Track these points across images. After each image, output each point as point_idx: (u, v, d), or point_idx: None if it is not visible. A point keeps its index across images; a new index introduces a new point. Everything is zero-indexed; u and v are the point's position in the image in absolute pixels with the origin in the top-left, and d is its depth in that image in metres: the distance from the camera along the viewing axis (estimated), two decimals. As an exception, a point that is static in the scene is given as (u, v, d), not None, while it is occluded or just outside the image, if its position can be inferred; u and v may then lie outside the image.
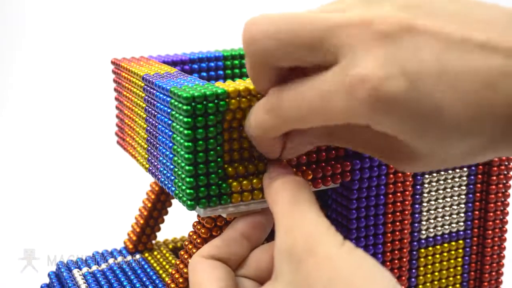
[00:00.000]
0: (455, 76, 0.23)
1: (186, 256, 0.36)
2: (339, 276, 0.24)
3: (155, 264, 0.48)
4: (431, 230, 0.42)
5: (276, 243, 0.28)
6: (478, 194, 0.43)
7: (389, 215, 0.39)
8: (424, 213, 0.41)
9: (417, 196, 0.40)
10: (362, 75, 0.24)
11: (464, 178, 0.42)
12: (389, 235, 0.40)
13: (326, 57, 0.25)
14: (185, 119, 0.30)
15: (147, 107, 0.37)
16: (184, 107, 0.30)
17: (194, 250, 0.35)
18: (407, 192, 0.39)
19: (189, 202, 0.31)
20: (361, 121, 0.25)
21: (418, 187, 0.40)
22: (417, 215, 0.41)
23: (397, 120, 0.24)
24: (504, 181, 0.42)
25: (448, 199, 0.42)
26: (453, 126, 0.24)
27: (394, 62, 0.24)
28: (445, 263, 0.43)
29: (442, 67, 0.23)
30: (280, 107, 0.27)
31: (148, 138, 0.37)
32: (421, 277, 0.42)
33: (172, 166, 0.33)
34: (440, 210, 0.41)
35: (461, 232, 0.43)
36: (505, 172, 0.42)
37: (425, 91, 0.24)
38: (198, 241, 0.35)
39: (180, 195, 0.32)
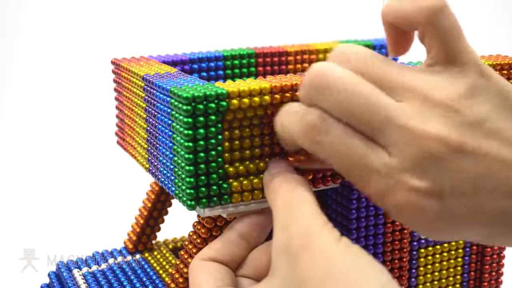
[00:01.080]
0: (487, 195, 0.26)
1: (186, 256, 0.36)
2: (333, 272, 0.24)
3: (155, 264, 0.48)
4: (431, 230, 0.42)
5: (273, 239, 0.28)
6: (478, 194, 0.42)
7: (389, 215, 0.39)
8: (424, 213, 0.41)
9: (417, 196, 0.40)
10: (408, 186, 0.26)
11: (464, 178, 0.42)
12: (389, 235, 0.40)
13: (372, 135, 0.27)
14: (185, 119, 0.30)
15: (147, 107, 0.37)
16: (185, 107, 0.30)
17: (194, 250, 0.35)
18: (407, 192, 0.39)
19: (189, 202, 0.31)
20: (384, 208, 0.27)
21: (418, 187, 0.40)
22: (417, 215, 0.41)
23: (415, 222, 0.27)
24: (504, 181, 0.42)
25: (448, 199, 0.42)
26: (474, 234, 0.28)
27: (438, 183, 0.26)
28: (445, 263, 0.43)
29: (475, 189, 0.26)
30: (326, 133, 0.28)
31: (148, 138, 0.37)
32: (421, 277, 0.42)
33: (172, 166, 0.33)
34: (440, 210, 0.41)
35: (461, 232, 0.43)
36: (505, 172, 0.42)
37: (451, 211, 0.26)
38: (198, 241, 0.35)
39: (180, 195, 0.32)
